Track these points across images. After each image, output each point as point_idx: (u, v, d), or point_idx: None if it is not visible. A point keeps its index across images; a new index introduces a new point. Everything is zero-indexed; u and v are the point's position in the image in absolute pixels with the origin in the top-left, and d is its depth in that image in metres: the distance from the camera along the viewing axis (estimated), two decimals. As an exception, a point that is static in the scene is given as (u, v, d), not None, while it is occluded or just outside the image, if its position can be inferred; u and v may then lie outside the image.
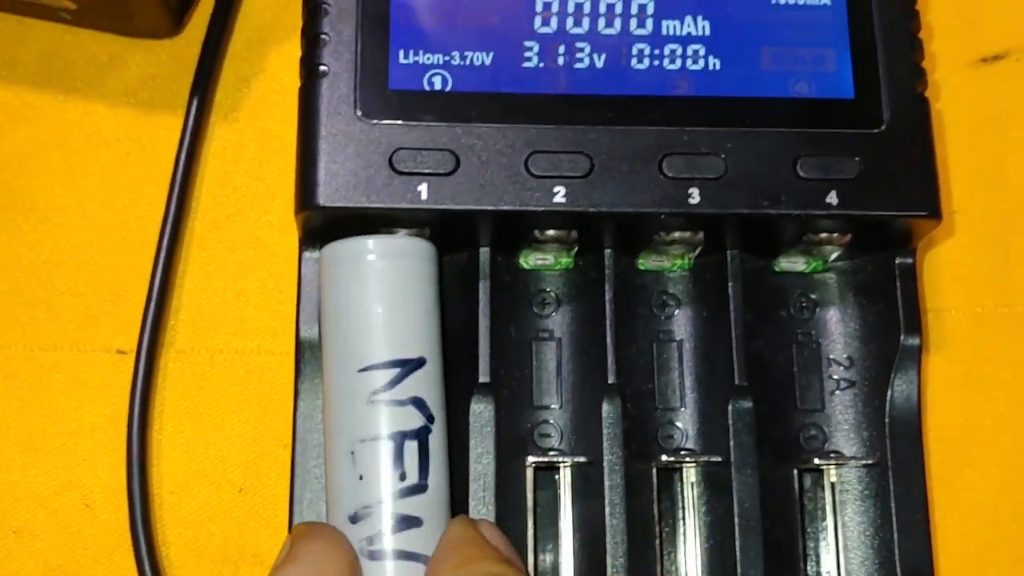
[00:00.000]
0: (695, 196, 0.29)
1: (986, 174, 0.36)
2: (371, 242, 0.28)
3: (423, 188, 0.28)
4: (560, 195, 0.29)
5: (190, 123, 0.34)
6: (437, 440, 0.28)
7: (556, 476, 0.31)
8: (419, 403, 0.28)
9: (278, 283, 0.33)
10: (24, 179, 0.34)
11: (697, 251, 0.31)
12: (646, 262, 0.32)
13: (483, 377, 0.30)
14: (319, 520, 0.28)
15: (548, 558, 0.31)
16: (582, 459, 0.30)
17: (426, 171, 0.28)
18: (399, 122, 0.29)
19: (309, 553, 0.26)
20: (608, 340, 0.30)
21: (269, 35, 0.35)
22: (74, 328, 0.33)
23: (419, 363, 0.28)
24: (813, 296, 0.33)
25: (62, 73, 0.35)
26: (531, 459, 0.30)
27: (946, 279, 0.35)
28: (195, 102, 0.34)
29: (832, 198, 0.29)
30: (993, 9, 0.37)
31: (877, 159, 0.29)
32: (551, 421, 0.31)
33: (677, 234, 0.30)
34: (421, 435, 0.27)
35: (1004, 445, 0.34)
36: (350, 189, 0.28)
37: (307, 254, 0.30)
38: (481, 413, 0.30)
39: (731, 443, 0.30)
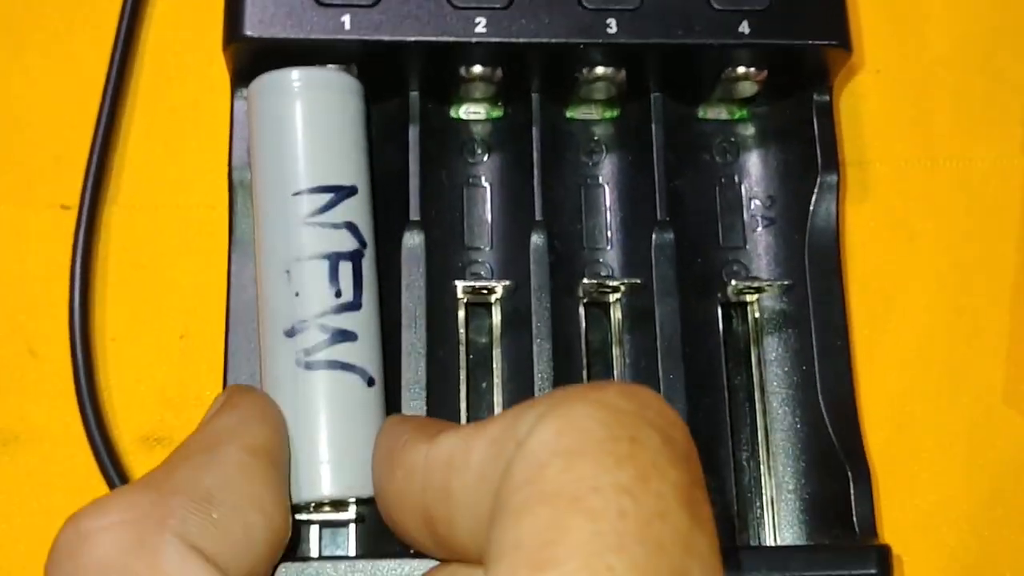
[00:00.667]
0: (612, 26, 0.30)
1: (905, 33, 0.37)
2: (298, 72, 0.29)
3: (346, 19, 0.29)
4: (481, 25, 0.30)
5: (131, -8, 0.35)
6: (368, 265, 0.29)
7: (488, 313, 0.32)
8: (352, 227, 0.29)
9: (215, 142, 0.34)
10: (-34, 47, 0.35)
11: (620, 94, 0.32)
12: (575, 112, 0.33)
13: (413, 215, 0.31)
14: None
15: (480, 388, 0.31)
16: (508, 283, 0.31)
17: (349, 3, 0.29)
18: (322, -53, 0.30)
19: (247, 402, 0.27)
20: (536, 181, 0.31)
21: None
22: (19, 185, 0.34)
23: (351, 191, 0.29)
24: (735, 140, 0.33)
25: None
26: (460, 283, 0.31)
27: (869, 134, 0.36)
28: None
29: (744, 27, 0.30)
30: None
31: (787, -9, 0.30)
32: (481, 261, 0.32)
33: (600, 70, 0.31)
34: (355, 257, 0.28)
35: (929, 290, 0.35)
36: (275, 20, 0.29)
37: (238, 93, 0.31)
38: (413, 247, 0.30)
39: (653, 274, 0.31)
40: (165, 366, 0.33)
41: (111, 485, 0.31)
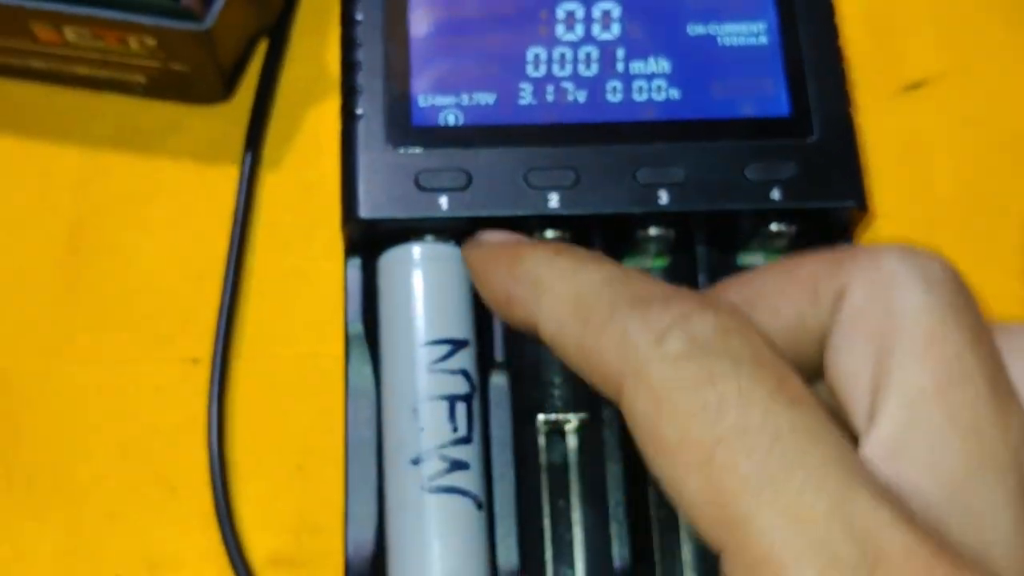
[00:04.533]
0: (663, 198, 0.36)
1: (913, 182, 0.43)
2: (419, 247, 0.36)
3: (443, 200, 0.35)
4: (554, 201, 0.35)
5: (245, 174, 0.41)
6: (476, 404, 0.34)
7: (563, 439, 0.37)
8: (466, 374, 0.35)
9: (322, 299, 0.39)
10: (105, 227, 0.41)
11: (671, 248, 0.38)
12: (630, 263, 0.39)
13: (499, 356, 0.36)
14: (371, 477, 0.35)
15: (559, 506, 0.37)
16: (583, 415, 0.36)
17: (444, 187, 0.35)
18: (421, 150, 0.36)
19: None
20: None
21: (307, 97, 0.42)
22: (153, 344, 0.39)
23: (464, 343, 0.35)
24: (771, 284, 0.39)
25: (133, 137, 0.42)
26: (541, 416, 0.36)
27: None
28: (248, 156, 0.41)
29: (775, 194, 0.36)
30: (914, 42, 0.44)
31: (810, 162, 0.36)
32: (559, 396, 0.38)
33: (652, 231, 0.37)
34: (468, 399, 0.34)
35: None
36: (384, 204, 0.35)
37: (351, 261, 0.36)
38: (498, 385, 0.36)
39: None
40: (286, 496, 0.38)
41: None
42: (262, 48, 0.42)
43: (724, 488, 0.21)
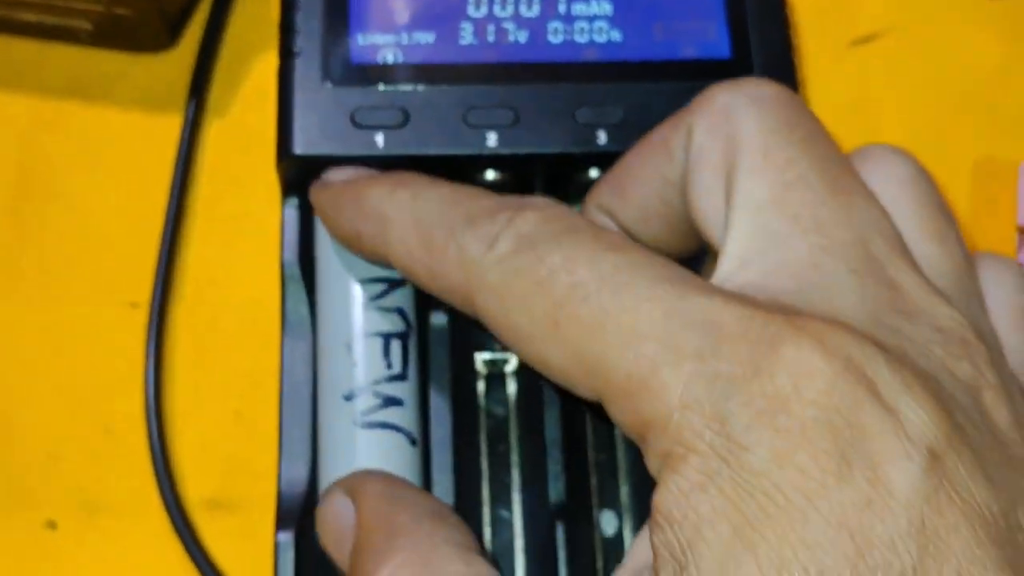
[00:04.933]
0: (602, 137, 0.35)
1: (862, 135, 0.42)
2: None
3: (379, 138, 0.35)
4: (492, 141, 0.35)
5: (188, 121, 0.41)
6: (412, 342, 0.34)
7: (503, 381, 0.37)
8: (401, 312, 0.34)
9: (264, 244, 0.39)
10: (52, 175, 0.41)
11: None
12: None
13: (438, 299, 0.36)
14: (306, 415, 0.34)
15: (499, 450, 0.36)
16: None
17: (381, 125, 0.35)
18: (358, 88, 0.35)
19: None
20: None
21: (254, 43, 0.42)
22: (95, 288, 0.39)
23: (401, 281, 0.34)
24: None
25: (80, 86, 0.42)
26: (479, 356, 0.36)
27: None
28: (192, 104, 0.41)
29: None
30: (864, 3, 0.44)
31: (750, 102, 0.36)
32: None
33: (593, 172, 0.36)
34: (403, 336, 0.34)
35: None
36: (319, 140, 0.35)
37: (288, 201, 0.36)
38: (439, 326, 0.36)
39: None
40: (223, 440, 0.38)
41: (184, 544, 0.36)
42: (209, -4, 0.42)
43: (575, 342, 0.23)
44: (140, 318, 0.39)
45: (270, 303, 0.38)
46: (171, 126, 0.41)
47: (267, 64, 0.41)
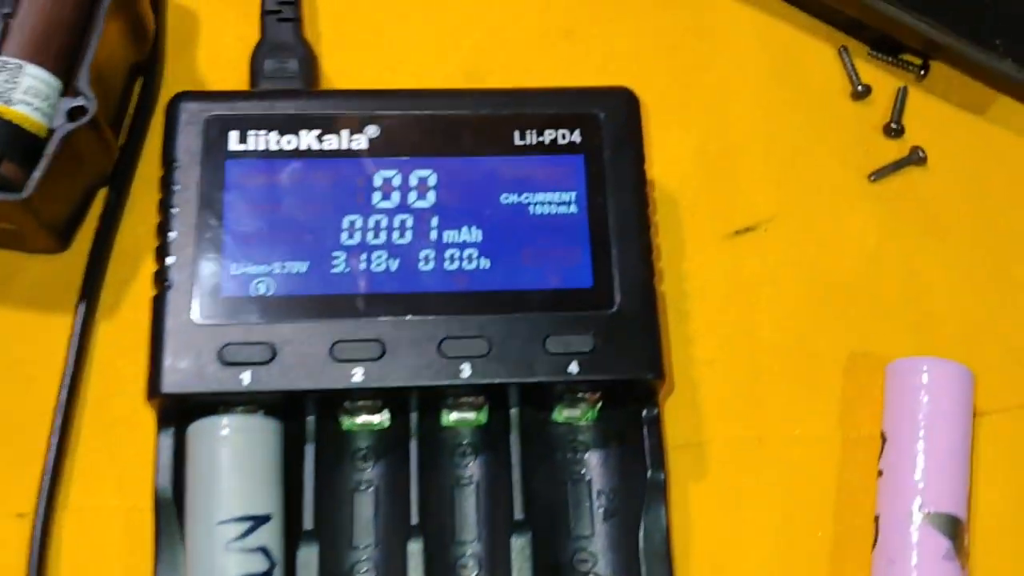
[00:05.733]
0: (466, 371, 0.37)
1: (738, 326, 0.44)
2: (227, 419, 0.36)
3: (245, 375, 0.36)
4: (358, 375, 0.36)
5: (78, 325, 0.41)
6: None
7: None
8: (265, 551, 0.35)
9: (149, 453, 0.40)
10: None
11: (485, 409, 0.39)
12: (448, 420, 0.40)
13: (307, 524, 0.37)
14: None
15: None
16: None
17: (248, 361, 0.36)
18: (227, 323, 0.36)
19: None
20: (413, 489, 0.38)
21: (144, 250, 0.42)
22: (-19, 497, 0.40)
23: (266, 518, 0.35)
24: (584, 440, 0.40)
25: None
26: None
27: (708, 415, 0.42)
28: (82, 306, 0.42)
29: (573, 367, 0.37)
30: (744, 188, 0.46)
31: (609, 334, 0.37)
32: (368, 559, 0.38)
33: (462, 399, 0.38)
34: None
35: (760, 555, 0.41)
36: (187, 379, 0.36)
37: (162, 432, 0.37)
38: (306, 558, 0.37)
39: (512, 568, 0.37)
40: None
41: None
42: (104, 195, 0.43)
43: None
44: (25, 529, 0.39)
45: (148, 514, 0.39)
46: (61, 328, 0.42)
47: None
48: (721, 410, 0.43)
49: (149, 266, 0.42)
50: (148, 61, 0.44)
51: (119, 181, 0.43)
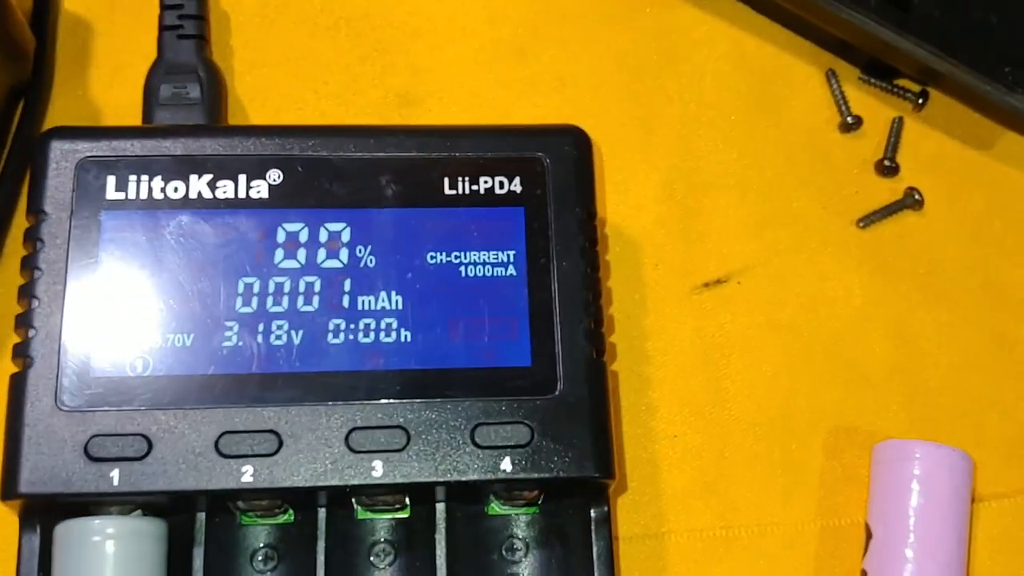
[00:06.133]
0: (378, 469, 0.31)
1: (706, 395, 0.38)
2: (98, 522, 0.31)
3: (115, 474, 0.30)
4: (248, 474, 0.31)
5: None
6: None
7: None
8: None
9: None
10: None
11: (405, 503, 0.33)
12: (364, 512, 0.34)
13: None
14: None
15: None
16: None
17: (119, 456, 0.30)
18: (96, 409, 0.31)
19: None
20: (321, 596, 0.32)
21: (5, 319, 0.36)
22: None
23: None
24: (522, 536, 0.34)
25: None
26: None
27: (669, 501, 0.37)
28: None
29: (507, 464, 0.31)
30: (714, 240, 0.40)
31: (549, 424, 0.32)
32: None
33: (377, 497, 0.32)
34: None
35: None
36: (48, 477, 0.30)
37: (24, 534, 0.32)
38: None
39: None
40: None
41: None
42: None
43: None
44: None
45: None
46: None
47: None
48: (684, 495, 0.37)
49: (10, 337, 0.37)
50: (30, 83, 0.38)
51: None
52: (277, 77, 0.40)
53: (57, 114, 0.39)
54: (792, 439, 0.38)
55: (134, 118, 0.37)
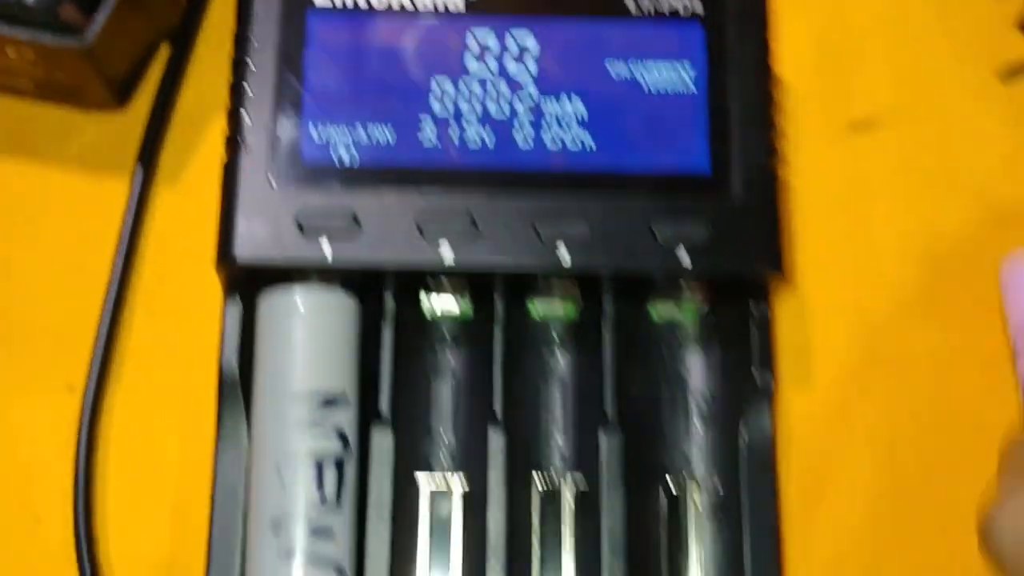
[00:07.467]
0: (564, 255, 0.33)
1: (852, 236, 0.40)
2: (301, 292, 0.33)
3: (326, 245, 0.33)
4: (446, 253, 0.33)
5: (136, 190, 0.38)
6: (351, 467, 0.32)
7: (448, 500, 0.35)
8: (340, 434, 0.32)
9: (209, 329, 0.37)
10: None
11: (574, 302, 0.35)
12: (536, 312, 0.36)
13: (384, 411, 0.34)
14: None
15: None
16: (463, 475, 0.34)
17: (328, 231, 0.33)
18: (307, 189, 0.33)
19: None
20: (497, 381, 0.34)
21: (210, 109, 0.39)
22: (29, 369, 0.37)
23: (342, 400, 0.32)
24: (682, 341, 0.37)
25: (22, 142, 0.39)
26: (421, 475, 0.34)
27: (816, 325, 0.39)
28: (139, 171, 0.38)
29: (684, 257, 0.33)
30: (862, 78, 0.42)
31: (725, 225, 0.34)
32: (445, 450, 0.35)
33: (553, 286, 0.34)
34: (339, 461, 0.32)
35: (864, 478, 0.38)
36: (262, 245, 0.33)
37: (229, 301, 0.34)
38: (381, 442, 0.34)
39: (601, 468, 0.34)
40: (157, 536, 0.36)
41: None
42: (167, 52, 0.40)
43: None
44: (76, 403, 0.37)
45: (211, 395, 0.36)
46: (117, 192, 0.39)
47: (220, 130, 0.39)
48: (828, 321, 0.39)
49: (213, 130, 0.39)
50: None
51: (184, 35, 0.39)
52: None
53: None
54: (933, 268, 0.40)
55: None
